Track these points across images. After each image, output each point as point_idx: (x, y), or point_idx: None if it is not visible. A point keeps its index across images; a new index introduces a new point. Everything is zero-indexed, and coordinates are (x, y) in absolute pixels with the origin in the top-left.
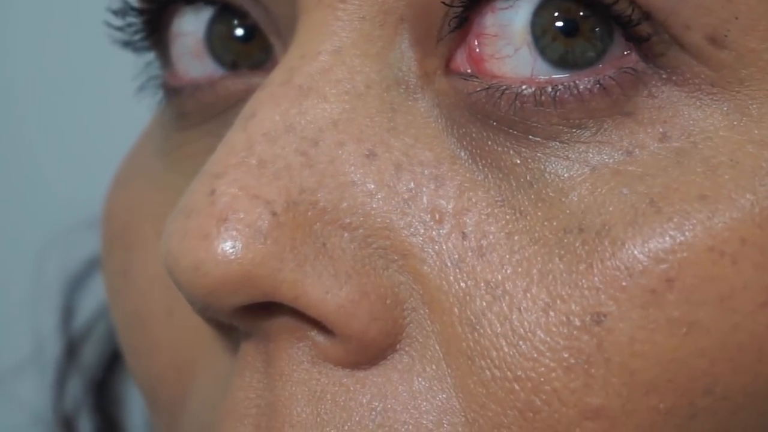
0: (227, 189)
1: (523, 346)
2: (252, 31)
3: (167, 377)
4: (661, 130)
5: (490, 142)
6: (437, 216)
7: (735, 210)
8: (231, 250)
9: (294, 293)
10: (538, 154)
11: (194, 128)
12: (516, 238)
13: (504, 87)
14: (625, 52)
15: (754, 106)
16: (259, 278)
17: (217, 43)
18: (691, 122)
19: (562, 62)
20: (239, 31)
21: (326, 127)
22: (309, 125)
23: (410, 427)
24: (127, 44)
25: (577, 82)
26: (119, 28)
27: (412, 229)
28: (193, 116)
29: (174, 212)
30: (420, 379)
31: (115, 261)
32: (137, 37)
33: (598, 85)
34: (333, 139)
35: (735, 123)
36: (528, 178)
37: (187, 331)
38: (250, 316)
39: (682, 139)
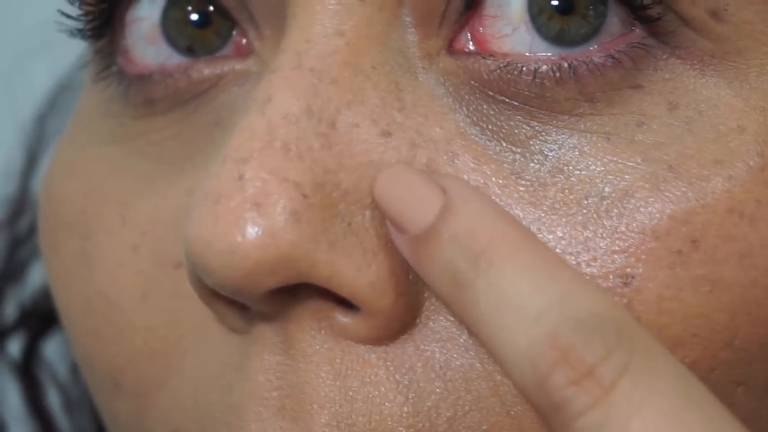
0: (257, 173)
1: None
2: (207, 17)
3: (140, 359)
4: (669, 100)
5: (502, 118)
6: None
7: (748, 173)
8: (268, 234)
9: (328, 273)
10: (553, 127)
11: (159, 115)
12: (535, 207)
13: (521, 65)
14: (631, 29)
15: (753, 74)
16: (296, 259)
17: (172, 28)
18: (697, 92)
19: (558, 40)
20: (194, 17)
21: (341, 109)
22: (325, 108)
23: (437, 396)
24: (78, 32)
25: (593, 57)
26: (74, 17)
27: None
28: (160, 103)
29: (197, 198)
30: (443, 349)
31: (69, 247)
32: (92, 24)
33: (611, 59)
34: (349, 120)
35: (738, 91)
36: (543, 150)
37: (165, 314)
38: (275, 299)
39: (690, 108)
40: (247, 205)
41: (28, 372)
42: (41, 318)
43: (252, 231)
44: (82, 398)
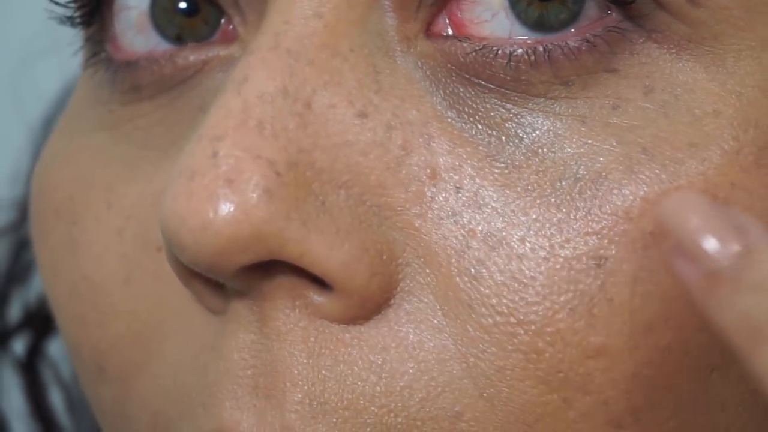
0: (231, 150)
1: (526, 292)
2: (196, 5)
3: (123, 344)
4: (645, 84)
5: (478, 101)
6: (429, 172)
7: (723, 156)
8: (240, 210)
9: (299, 251)
10: (528, 110)
11: (146, 101)
12: (510, 189)
13: (496, 48)
14: (607, 12)
15: (730, 59)
16: (268, 237)
17: (161, 16)
18: (673, 76)
19: (537, 25)
20: (183, 5)
21: (318, 90)
22: (301, 88)
23: (410, 376)
24: (67, 19)
25: (568, 41)
26: (63, 4)
27: (405, 186)
28: (147, 89)
29: (173, 175)
30: (417, 330)
31: (57, 233)
32: (81, 11)
33: (586, 43)
34: (325, 101)
35: (714, 76)
36: (519, 132)
37: (147, 298)
38: (249, 276)
39: (666, 92)
40: (220, 181)
41: (31, 370)
42: (45, 318)
43: (224, 207)
44: (84, 398)
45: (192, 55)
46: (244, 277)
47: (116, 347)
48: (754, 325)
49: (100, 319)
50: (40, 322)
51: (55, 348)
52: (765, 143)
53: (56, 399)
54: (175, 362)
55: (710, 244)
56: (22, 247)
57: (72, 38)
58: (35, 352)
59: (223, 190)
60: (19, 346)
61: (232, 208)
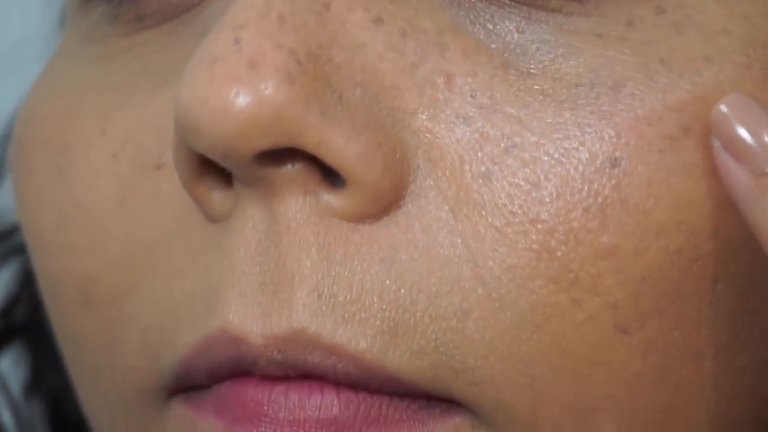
0: (253, 38)
1: (538, 193)
2: None
3: (115, 266)
4: (656, 5)
5: (495, 16)
6: (444, 78)
7: (735, 70)
8: (262, 92)
9: (318, 139)
10: (544, 25)
11: (148, 30)
12: (525, 94)
13: None
14: None
15: None
16: (288, 121)
17: None
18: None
19: None
20: None
21: None
22: None
23: (419, 275)
24: None
25: None
26: None
27: (419, 90)
28: (151, 18)
29: (192, 62)
30: (426, 230)
31: (45, 164)
32: None
33: None
34: (343, 5)
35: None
36: (535, 44)
37: (143, 218)
38: (263, 167)
39: (677, 12)
40: (243, 64)
41: None
42: None
43: (247, 90)
44: (34, 416)
45: None
46: (258, 167)
47: (107, 271)
48: None
49: (90, 244)
50: None
51: (4, 364)
52: None
53: (6, 418)
54: (171, 274)
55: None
56: None
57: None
58: None
59: (246, 72)
60: None
61: (254, 91)
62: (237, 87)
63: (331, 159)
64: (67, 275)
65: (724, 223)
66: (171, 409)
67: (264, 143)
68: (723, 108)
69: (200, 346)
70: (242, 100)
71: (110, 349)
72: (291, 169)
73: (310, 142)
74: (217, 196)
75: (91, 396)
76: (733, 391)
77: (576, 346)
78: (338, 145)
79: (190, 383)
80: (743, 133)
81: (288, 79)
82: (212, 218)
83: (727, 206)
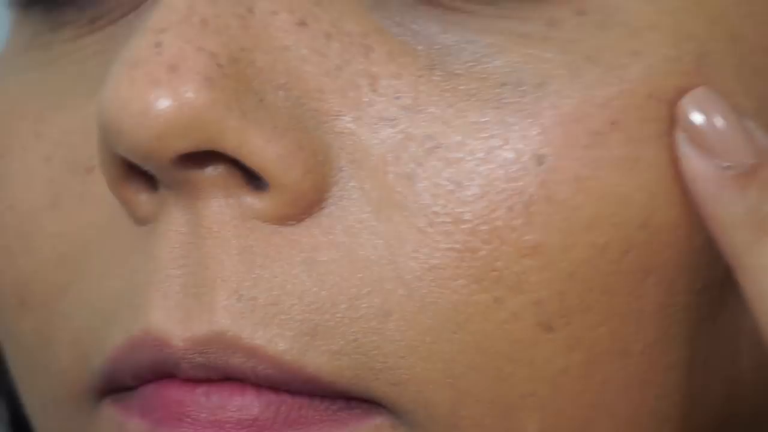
0: (174, 41)
1: (462, 192)
2: None
3: (48, 267)
4: (577, 8)
5: (420, 19)
6: (368, 80)
7: (665, 62)
8: (181, 95)
9: (238, 141)
10: (466, 28)
11: (87, 36)
12: (449, 94)
13: None
14: None
15: None
16: (208, 123)
17: None
18: (605, 1)
19: None
20: None
21: None
22: None
23: (340, 276)
24: None
25: None
26: None
27: (343, 92)
28: (91, 23)
29: (115, 66)
30: (348, 232)
31: None
32: None
33: None
34: (267, 8)
35: None
36: (460, 45)
37: (74, 220)
38: (185, 170)
39: (598, 13)
40: (164, 68)
41: None
42: None
43: (165, 92)
44: None
45: None
46: (179, 170)
47: (41, 271)
48: (762, 218)
49: (25, 245)
50: None
51: None
52: (702, 53)
53: None
54: (101, 275)
55: (735, 140)
56: None
57: None
58: None
59: (166, 75)
60: None
61: (174, 94)
62: (157, 90)
63: (251, 161)
64: (3, 277)
65: (654, 214)
66: (101, 410)
67: (184, 146)
68: (688, 101)
69: (125, 348)
70: (161, 103)
71: (45, 350)
72: (213, 172)
73: (229, 144)
74: (144, 199)
75: (30, 397)
76: (661, 388)
77: (498, 344)
78: (258, 147)
79: (118, 384)
80: (708, 125)
81: (208, 83)
82: (139, 220)
83: (658, 196)
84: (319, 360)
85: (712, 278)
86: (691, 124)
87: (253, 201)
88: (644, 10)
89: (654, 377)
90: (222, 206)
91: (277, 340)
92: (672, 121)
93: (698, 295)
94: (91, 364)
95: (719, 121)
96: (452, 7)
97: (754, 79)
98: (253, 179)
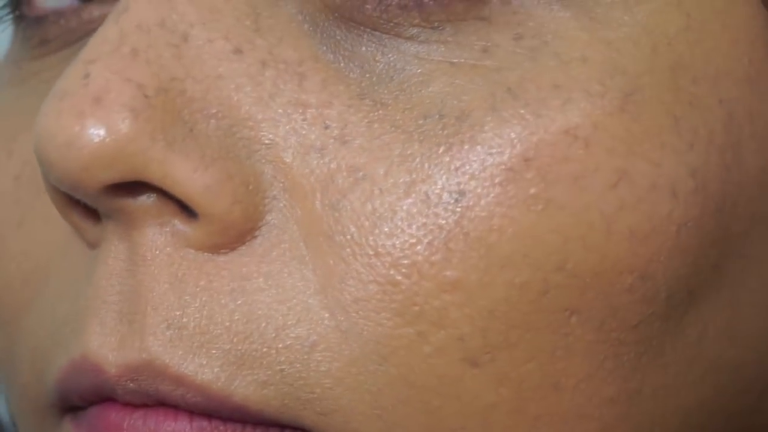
0: (101, 72)
1: (384, 224)
2: None
3: (14, 285)
4: (515, 32)
5: (353, 44)
6: (300, 109)
7: (587, 99)
8: (105, 127)
9: (162, 171)
10: (400, 53)
11: (53, 54)
12: (377, 125)
13: None
14: None
15: (600, 10)
16: (131, 155)
17: None
18: (544, 24)
19: None
20: None
21: (196, 24)
22: (179, 21)
23: (268, 306)
24: None
25: None
26: None
27: (276, 121)
28: (54, 43)
29: (48, 97)
30: (279, 261)
31: None
32: None
33: None
34: (202, 36)
35: (584, 24)
36: (390, 73)
37: (38, 239)
38: (117, 199)
39: (535, 39)
40: (88, 99)
41: None
42: None
43: (89, 124)
44: None
45: (96, 10)
46: (111, 199)
47: (7, 289)
48: None
49: None
50: None
51: None
52: (631, 90)
53: None
54: (54, 296)
55: None
56: None
57: None
58: None
59: (90, 108)
60: None
61: (97, 125)
62: (81, 122)
63: (177, 191)
64: None
65: (571, 257)
66: (62, 427)
67: (110, 176)
68: None
69: (68, 370)
70: (86, 135)
71: (11, 365)
72: (147, 200)
73: (154, 175)
74: (90, 225)
75: (10, 407)
76: (601, 421)
77: (424, 378)
78: (183, 177)
79: (70, 403)
80: None
81: (132, 114)
82: (89, 245)
83: (573, 240)
84: (245, 390)
85: (652, 313)
86: None
87: (186, 230)
88: (580, 39)
89: (592, 411)
90: (156, 234)
91: (204, 369)
92: (591, 162)
93: (634, 330)
94: (46, 382)
95: None
96: (394, 32)
97: (689, 113)
98: (187, 208)
